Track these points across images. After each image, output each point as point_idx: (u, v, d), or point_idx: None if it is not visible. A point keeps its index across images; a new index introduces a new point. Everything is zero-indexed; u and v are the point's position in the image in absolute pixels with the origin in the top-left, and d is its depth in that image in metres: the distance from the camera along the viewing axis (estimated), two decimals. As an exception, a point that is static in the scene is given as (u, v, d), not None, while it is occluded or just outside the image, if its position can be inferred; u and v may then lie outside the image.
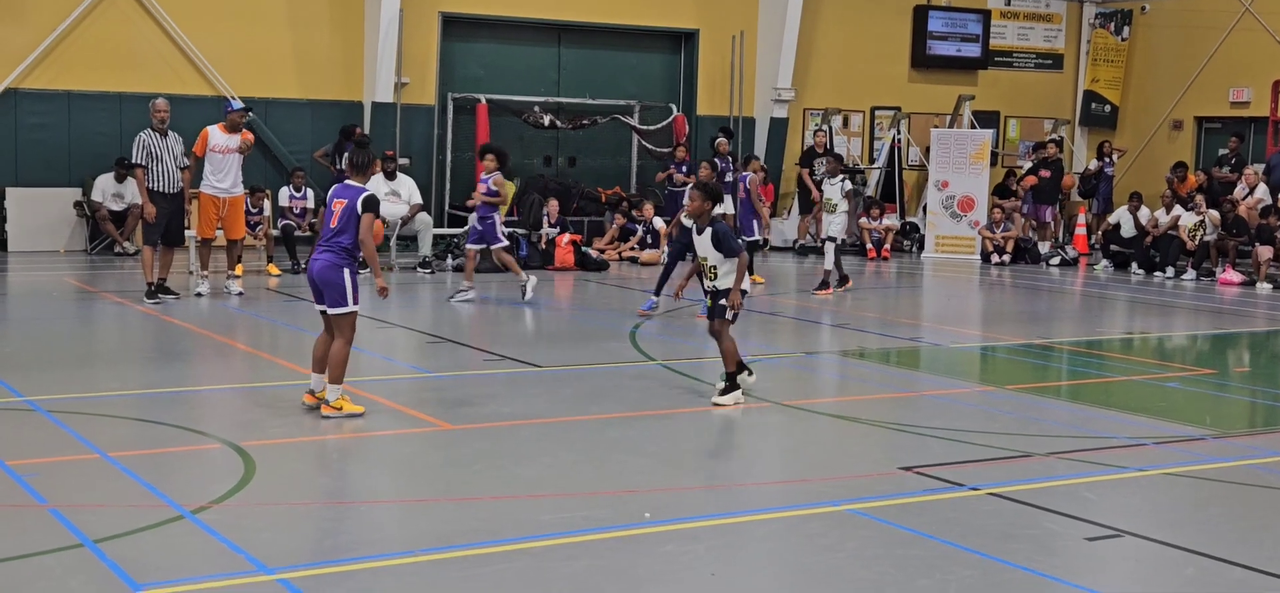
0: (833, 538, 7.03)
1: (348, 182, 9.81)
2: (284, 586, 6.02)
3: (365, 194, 9.63)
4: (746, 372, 10.60)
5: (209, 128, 16.54)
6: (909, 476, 8.34)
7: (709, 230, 10.39)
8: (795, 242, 25.51)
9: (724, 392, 10.35)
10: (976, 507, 7.67)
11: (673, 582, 6.33)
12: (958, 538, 6.98)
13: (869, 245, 24.66)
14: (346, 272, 9.63)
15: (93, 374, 11.38)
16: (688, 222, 10.66)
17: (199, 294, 16.24)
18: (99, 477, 7.95)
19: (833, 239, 18.43)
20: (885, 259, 24.41)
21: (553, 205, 21.93)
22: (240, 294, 16.37)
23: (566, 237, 21.40)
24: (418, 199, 20.58)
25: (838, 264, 18.35)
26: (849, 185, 18.96)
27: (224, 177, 16.36)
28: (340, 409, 9.50)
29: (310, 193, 20.46)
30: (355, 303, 9.71)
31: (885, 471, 8.55)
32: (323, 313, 9.85)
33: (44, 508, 7.18)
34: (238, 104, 17.21)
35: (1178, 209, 23.07)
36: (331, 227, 9.67)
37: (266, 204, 19.60)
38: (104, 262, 20.12)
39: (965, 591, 6.23)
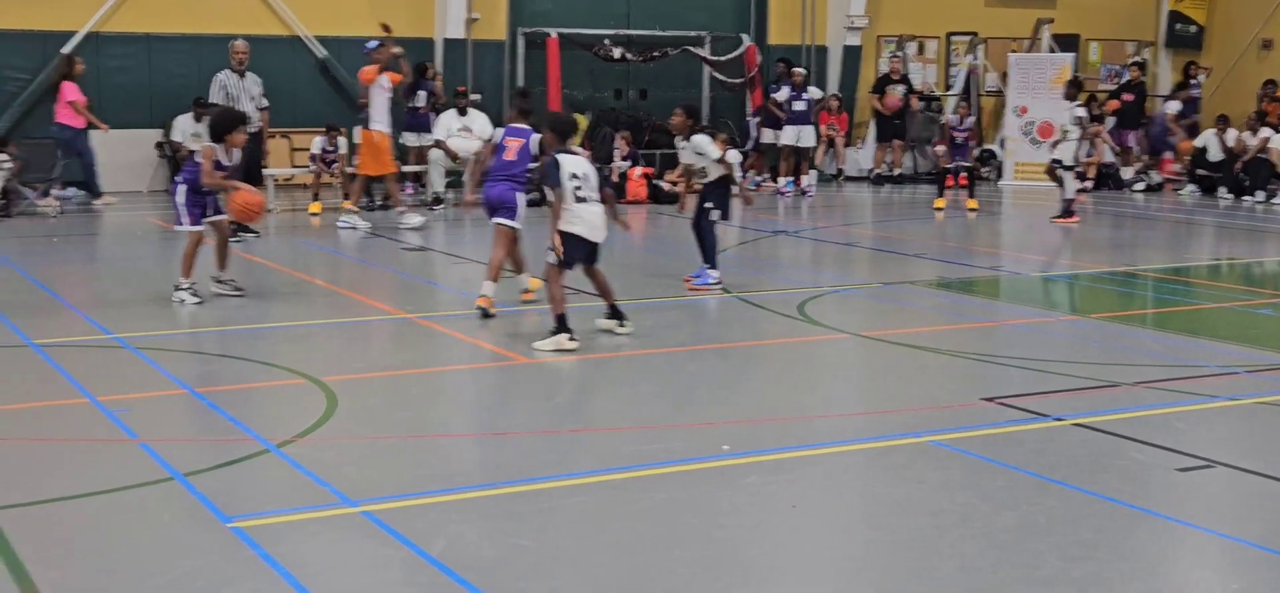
0: (915, 470, 6.99)
1: (515, 125, 11.63)
2: (368, 518, 6.08)
3: (535, 135, 11.29)
4: (618, 321, 10.20)
5: (371, 70, 16.96)
6: (992, 406, 8.25)
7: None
8: (871, 171, 25.29)
9: (551, 334, 9.70)
10: (1062, 438, 7.59)
11: (753, 513, 6.31)
12: (1044, 470, 6.90)
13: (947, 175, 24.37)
14: (520, 194, 11.22)
15: (177, 311, 11.51)
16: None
17: (415, 228, 16.98)
18: (186, 412, 8.08)
19: (1059, 162, 18.96)
20: (964, 187, 24.09)
21: (624, 139, 21.86)
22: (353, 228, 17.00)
23: (638, 170, 21.35)
24: (490, 134, 20.57)
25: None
26: (1081, 112, 19.00)
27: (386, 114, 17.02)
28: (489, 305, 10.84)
29: (385, 130, 20.50)
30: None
31: (967, 401, 8.47)
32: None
33: (135, 443, 7.29)
34: (373, 42, 17.39)
35: (1266, 131, 22.61)
36: (507, 159, 11.23)
37: (342, 142, 19.66)
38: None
39: (1053, 523, 6.16)
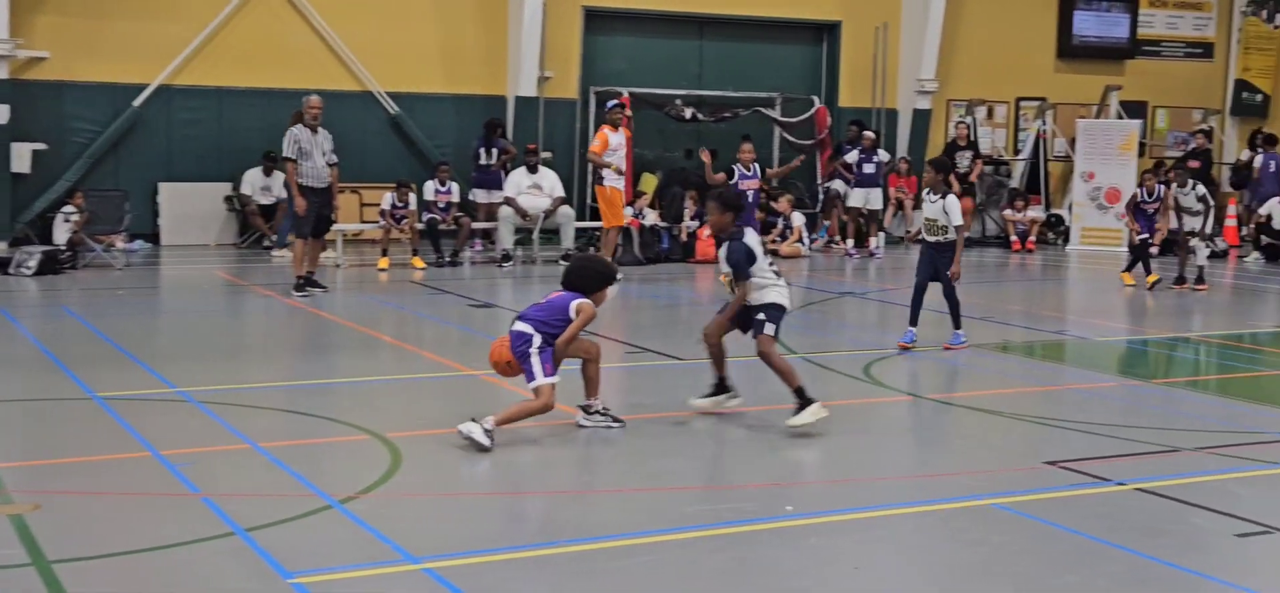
0: (977, 533, 6.95)
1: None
2: (430, 575, 6.11)
3: None
4: (729, 394, 9.69)
5: (603, 130, 18.23)
6: (1054, 470, 8.21)
7: (727, 244, 9.46)
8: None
9: (798, 409, 9.13)
10: (1123, 502, 7.53)
11: (817, 576, 6.30)
12: (1104, 534, 6.86)
13: (1013, 238, 24.29)
14: None
15: (242, 366, 11.65)
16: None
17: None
18: (250, 467, 8.14)
19: (1193, 232, 18.53)
20: (1030, 251, 24.03)
21: (692, 198, 21.92)
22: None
23: (707, 229, 21.37)
24: (560, 192, 20.72)
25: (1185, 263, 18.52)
26: (1202, 188, 18.69)
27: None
28: None
29: (454, 187, 20.68)
30: None
31: (1030, 465, 8.44)
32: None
33: (197, 497, 7.36)
34: (613, 102, 18.47)
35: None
36: None
37: (412, 198, 19.87)
38: (253, 255, 20.59)
39: (1113, 587, 6.13)
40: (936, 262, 12.60)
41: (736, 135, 24.77)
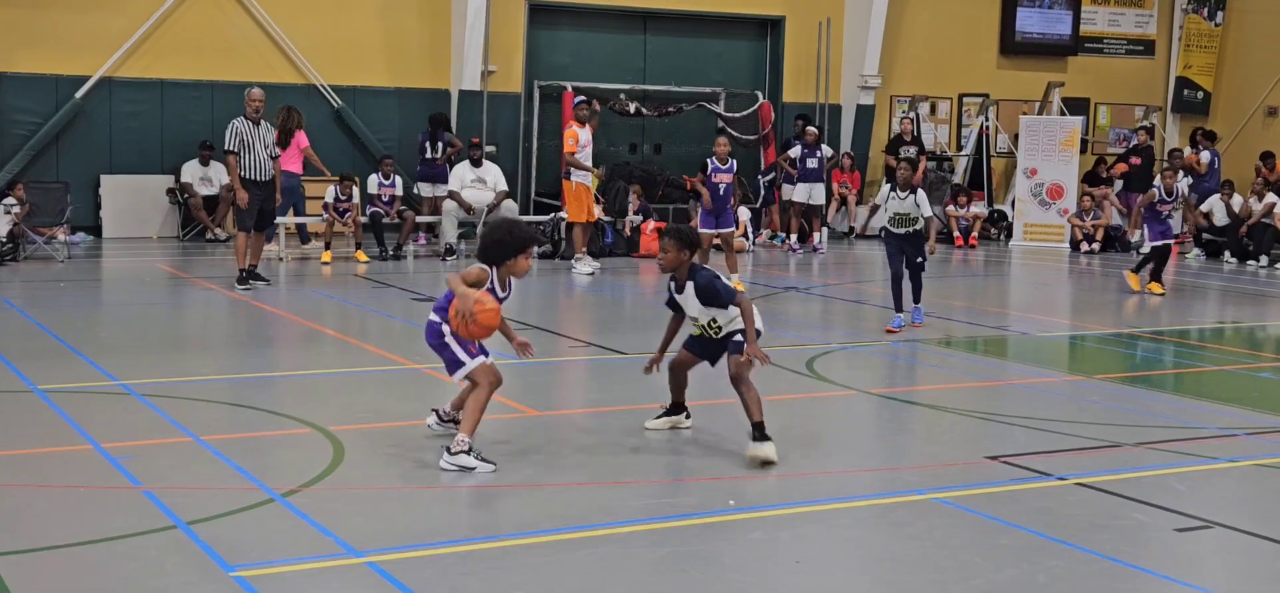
0: (918, 527, 7.00)
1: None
2: (373, 569, 6.10)
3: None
4: (686, 416, 9.17)
5: (573, 128, 18.70)
6: (996, 465, 8.28)
7: (690, 285, 8.63)
8: (882, 229, 25.32)
9: (759, 440, 8.34)
10: (1064, 497, 7.60)
11: (757, 569, 6.33)
12: (1045, 528, 6.92)
13: (956, 233, 24.46)
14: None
15: (185, 359, 11.56)
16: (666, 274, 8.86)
17: (590, 273, 18.29)
18: (192, 460, 8.08)
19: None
20: (973, 247, 24.22)
21: (636, 193, 21.96)
22: (591, 274, 18.25)
23: (651, 224, 21.41)
24: (503, 186, 20.70)
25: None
26: (1190, 179, 18.64)
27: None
28: None
29: (398, 180, 20.64)
30: None
31: (972, 460, 8.49)
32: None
33: (138, 490, 7.31)
34: (580, 99, 19.08)
35: (1271, 196, 22.69)
36: None
37: (355, 191, 19.79)
38: (196, 248, 20.44)
39: (1053, 581, 6.18)
40: (907, 249, 13.79)
41: (681, 130, 25.04)
